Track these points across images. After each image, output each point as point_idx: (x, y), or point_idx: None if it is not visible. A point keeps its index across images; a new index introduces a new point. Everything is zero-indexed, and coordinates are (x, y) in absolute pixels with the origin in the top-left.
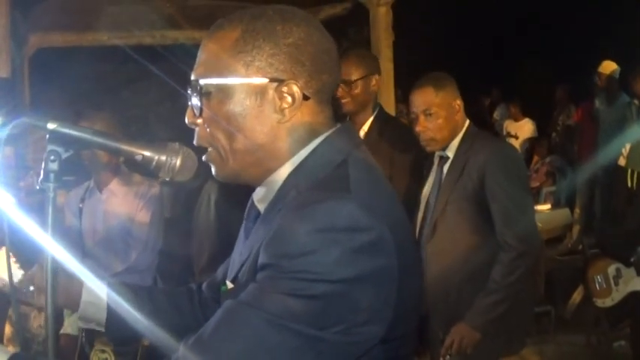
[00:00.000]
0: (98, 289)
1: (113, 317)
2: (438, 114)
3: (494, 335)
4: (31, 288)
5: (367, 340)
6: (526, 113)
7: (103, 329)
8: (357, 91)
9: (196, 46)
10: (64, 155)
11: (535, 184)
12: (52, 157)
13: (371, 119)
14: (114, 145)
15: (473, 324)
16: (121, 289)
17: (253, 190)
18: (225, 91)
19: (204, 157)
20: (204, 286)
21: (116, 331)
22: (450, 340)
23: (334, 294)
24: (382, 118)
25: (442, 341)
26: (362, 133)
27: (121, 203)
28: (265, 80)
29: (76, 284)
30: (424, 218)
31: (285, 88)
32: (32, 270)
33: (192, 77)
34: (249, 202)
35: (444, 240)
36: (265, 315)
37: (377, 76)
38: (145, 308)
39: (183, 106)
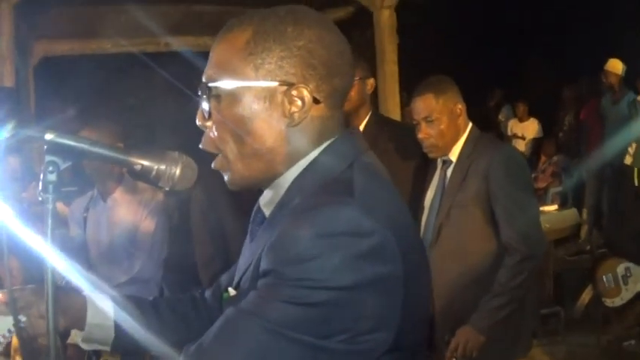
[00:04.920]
0: (104, 309)
1: (120, 337)
2: (440, 120)
3: (499, 338)
4: (6, 331)
5: (374, 349)
6: (531, 113)
7: (107, 349)
8: (352, 92)
9: (201, 53)
10: (63, 166)
11: (542, 184)
12: (50, 168)
13: (365, 122)
14: (112, 156)
15: (478, 327)
16: (127, 306)
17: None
18: (234, 95)
19: (213, 165)
20: (207, 294)
21: (121, 349)
22: (455, 343)
23: (336, 301)
24: (377, 121)
25: (447, 344)
26: None
27: (126, 212)
28: (275, 84)
29: (77, 303)
30: (428, 222)
31: (294, 92)
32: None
33: (203, 79)
34: (256, 206)
35: (449, 244)
36: (266, 323)
37: (372, 80)
38: (151, 325)
39: (189, 112)
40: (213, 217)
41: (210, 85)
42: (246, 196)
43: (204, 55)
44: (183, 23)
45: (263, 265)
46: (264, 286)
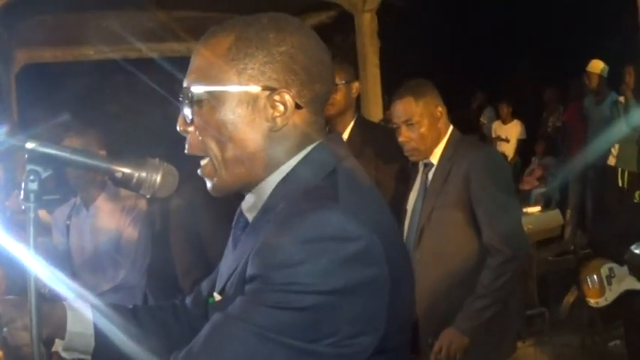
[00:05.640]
0: (84, 317)
1: (100, 345)
2: (420, 123)
3: (483, 340)
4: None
5: (360, 352)
6: (514, 115)
7: (89, 357)
8: (338, 96)
9: (183, 58)
10: (44, 175)
11: (527, 187)
12: (31, 177)
13: (351, 126)
14: (93, 163)
15: (461, 329)
16: (108, 314)
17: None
18: (216, 99)
19: (199, 172)
20: (188, 301)
21: (102, 357)
22: (439, 345)
23: (324, 305)
24: (362, 124)
25: (431, 346)
26: None
27: (109, 219)
28: (258, 88)
29: (58, 311)
30: (410, 226)
31: (277, 97)
32: None
33: (184, 84)
34: (238, 211)
35: (431, 247)
36: (254, 328)
37: (357, 84)
38: (132, 332)
39: (172, 117)
40: (192, 225)
41: (192, 89)
42: (224, 204)
43: (186, 60)
44: (164, 29)
45: (249, 271)
46: (251, 291)
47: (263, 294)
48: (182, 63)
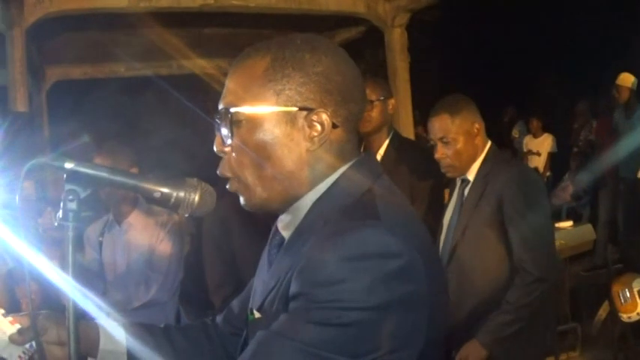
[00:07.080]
0: (116, 335)
1: None
2: (456, 140)
3: (516, 355)
4: (27, 345)
5: None
6: (545, 128)
7: None
8: (374, 112)
9: (213, 75)
10: (83, 194)
11: (559, 201)
12: (70, 197)
13: (386, 143)
14: (132, 183)
15: (481, 341)
16: (140, 332)
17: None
18: (255, 120)
19: (228, 187)
20: (218, 319)
21: None
22: (458, 357)
23: (367, 321)
24: (398, 141)
25: None
26: (378, 157)
27: (142, 235)
28: (295, 109)
29: (90, 330)
30: (445, 241)
31: (314, 117)
32: (21, 316)
33: (221, 106)
34: (273, 228)
35: (463, 263)
36: (299, 345)
37: (393, 100)
38: (164, 351)
39: (202, 133)
40: (224, 241)
41: (231, 110)
42: (256, 220)
43: (216, 77)
44: (194, 46)
45: (293, 289)
46: (295, 308)
47: (307, 311)
48: (212, 79)
